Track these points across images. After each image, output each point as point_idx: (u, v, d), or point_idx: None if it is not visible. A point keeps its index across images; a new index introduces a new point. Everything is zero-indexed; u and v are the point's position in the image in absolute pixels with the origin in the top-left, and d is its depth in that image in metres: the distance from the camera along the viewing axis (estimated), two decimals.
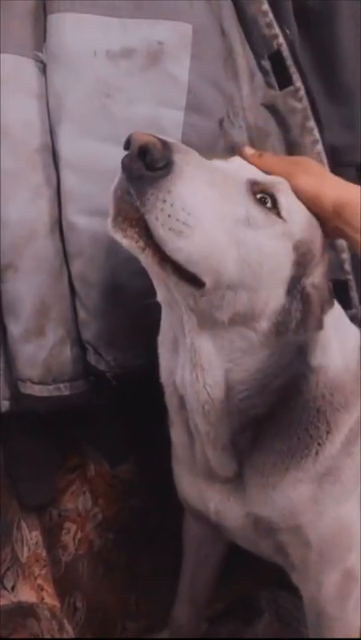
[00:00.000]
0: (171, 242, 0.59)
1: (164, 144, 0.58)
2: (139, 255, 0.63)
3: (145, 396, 0.89)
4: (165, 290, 0.68)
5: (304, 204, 0.69)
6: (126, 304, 0.82)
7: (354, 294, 0.94)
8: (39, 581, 1.00)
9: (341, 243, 0.92)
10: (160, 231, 0.58)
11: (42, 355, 0.83)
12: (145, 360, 0.84)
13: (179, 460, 0.85)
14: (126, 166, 0.59)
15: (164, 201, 0.57)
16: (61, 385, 0.85)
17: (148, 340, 0.80)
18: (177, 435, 0.81)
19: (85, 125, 0.78)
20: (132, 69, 0.77)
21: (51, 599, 1.01)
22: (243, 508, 0.79)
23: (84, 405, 0.90)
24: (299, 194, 0.69)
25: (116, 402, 0.95)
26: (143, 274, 0.80)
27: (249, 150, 0.73)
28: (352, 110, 0.90)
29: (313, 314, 0.69)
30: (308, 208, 0.69)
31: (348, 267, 0.92)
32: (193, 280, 0.62)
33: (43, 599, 0.99)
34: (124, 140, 0.76)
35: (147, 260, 0.63)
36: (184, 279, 0.62)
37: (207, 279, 0.62)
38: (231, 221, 0.62)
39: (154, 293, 0.81)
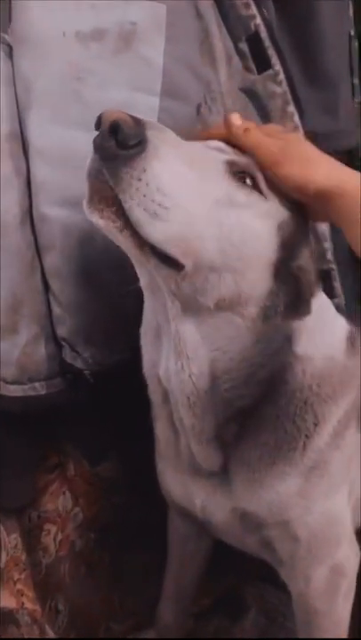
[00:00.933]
0: (146, 223, 0.57)
1: (137, 121, 0.57)
2: (117, 237, 0.60)
3: (125, 390, 0.87)
4: (147, 274, 0.66)
5: (289, 192, 0.66)
6: (103, 298, 0.80)
7: (337, 284, 0.93)
8: (19, 586, 0.97)
9: (324, 232, 0.90)
10: (135, 212, 0.56)
11: (15, 353, 0.80)
12: (124, 356, 0.82)
13: (163, 456, 0.84)
14: (98, 145, 0.57)
15: (139, 180, 0.56)
16: (37, 384, 0.82)
17: (126, 334, 0.78)
18: (161, 429, 0.79)
19: (56, 111, 0.75)
20: (103, 52, 0.74)
21: (31, 604, 0.98)
22: (229, 503, 0.78)
23: (62, 404, 0.88)
24: (282, 183, 0.66)
25: (95, 398, 0.93)
26: (120, 266, 0.78)
27: (236, 120, 0.67)
28: (333, 95, 0.89)
29: (301, 297, 0.67)
30: (294, 196, 0.67)
31: (330, 256, 0.91)
32: (173, 263, 0.61)
33: (23, 604, 0.96)
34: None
35: (125, 243, 0.60)
36: (164, 262, 0.61)
37: (187, 261, 0.60)
38: (211, 201, 0.60)
39: (131, 286, 0.78)
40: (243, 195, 0.63)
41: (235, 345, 0.68)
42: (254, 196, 0.64)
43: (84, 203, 0.60)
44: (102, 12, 0.74)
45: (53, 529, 1.08)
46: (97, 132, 0.58)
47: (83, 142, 0.72)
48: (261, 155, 0.65)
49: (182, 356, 0.68)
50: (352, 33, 0.97)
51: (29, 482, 1.04)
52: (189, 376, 0.69)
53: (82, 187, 0.74)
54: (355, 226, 0.60)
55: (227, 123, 0.68)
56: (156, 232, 0.57)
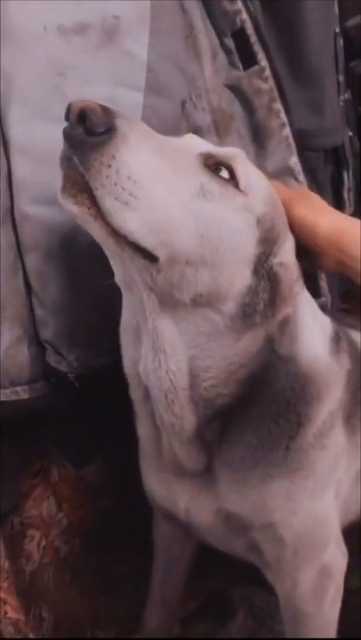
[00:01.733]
0: (117, 213, 0.56)
1: (105, 109, 0.56)
2: (91, 225, 0.59)
3: (109, 392, 0.86)
4: (122, 267, 0.65)
5: (299, 233, 0.69)
6: (87, 299, 0.78)
7: (323, 283, 0.92)
8: (1, 595, 0.95)
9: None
10: (106, 201, 0.56)
11: None
12: (109, 358, 0.80)
13: (146, 457, 0.82)
14: (67, 134, 0.57)
15: (109, 166, 0.55)
16: (19, 388, 0.80)
17: (112, 336, 0.76)
18: (143, 428, 0.78)
19: (37, 107, 0.73)
20: (86, 46, 0.73)
21: (14, 613, 0.96)
22: (213, 504, 0.77)
23: (45, 408, 0.85)
24: (294, 222, 0.68)
25: (79, 400, 0.91)
26: (105, 266, 0.76)
27: None
28: (319, 92, 0.88)
29: (281, 295, 0.66)
30: (303, 239, 0.69)
31: None
32: (147, 254, 0.60)
33: (6, 613, 0.94)
34: None
35: (100, 232, 0.59)
36: (138, 253, 0.59)
37: (160, 253, 0.59)
38: (185, 194, 0.60)
39: (116, 286, 0.76)
40: (218, 187, 0.62)
41: (214, 343, 0.67)
42: (230, 189, 0.63)
43: (58, 192, 0.59)
44: (84, 5, 0.72)
45: (37, 535, 1.06)
46: (65, 120, 0.58)
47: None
48: (277, 193, 0.67)
49: (160, 352, 0.67)
50: (337, 30, 0.96)
51: (12, 487, 1.02)
52: (167, 372, 0.67)
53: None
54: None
55: None
56: (127, 222, 0.57)
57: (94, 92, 0.73)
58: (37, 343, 0.81)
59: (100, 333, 0.80)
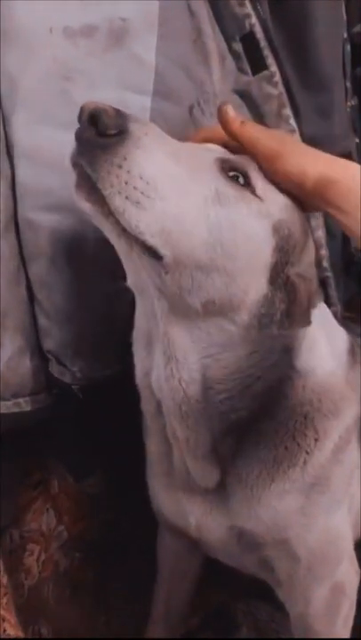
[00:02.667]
0: (127, 211, 0.55)
1: (118, 112, 0.56)
2: (104, 224, 0.59)
3: (111, 402, 0.85)
4: (134, 270, 0.64)
5: (287, 187, 0.64)
6: (92, 309, 0.76)
7: (333, 292, 0.91)
8: (1, 612, 0.92)
9: (319, 238, 0.88)
10: (116, 200, 0.55)
11: None
12: (114, 370, 0.78)
13: (155, 473, 0.81)
14: (78, 136, 0.56)
15: (120, 167, 0.54)
16: (21, 400, 0.78)
17: (117, 347, 0.75)
18: (154, 444, 0.76)
19: (42, 111, 0.71)
20: (93, 49, 0.71)
21: (13, 629, 0.93)
22: (226, 521, 0.75)
23: (46, 420, 0.84)
24: (283, 177, 0.63)
25: (81, 410, 0.89)
26: (111, 274, 0.75)
27: (231, 112, 0.64)
28: (328, 98, 0.86)
29: (299, 306, 0.64)
30: (291, 190, 0.65)
31: (326, 263, 0.89)
32: (153, 252, 0.58)
33: (5, 630, 0.91)
34: None
35: (112, 232, 0.58)
36: (146, 251, 0.58)
37: (165, 252, 0.58)
38: (199, 198, 0.59)
39: (122, 296, 0.75)
40: (233, 192, 0.61)
41: (228, 353, 0.65)
42: (247, 194, 0.62)
43: (72, 188, 0.59)
44: (91, 7, 0.71)
45: (36, 549, 1.04)
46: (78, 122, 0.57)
47: (71, 144, 0.69)
48: (260, 147, 0.62)
49: (172, 359, 0.66)
50: (345, 35, 0.95)
51: (11, 499, 1.00)
52: (179, 382, 0.66)
53: (70, 191, 0.71)
54: (351, 213, 0.59)
55: (222, 114, 0.65)
56: (137, 221, 0.56)
57: (101, 96, 0.70)
58: (40, 354, 0.79)
59: (104, 344, 0.78)
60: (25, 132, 0.72)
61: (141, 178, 0.55)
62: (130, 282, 0.66)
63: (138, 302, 0.68)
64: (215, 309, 0.62)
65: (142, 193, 0.55)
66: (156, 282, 0.61)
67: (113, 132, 0.55)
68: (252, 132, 0.63)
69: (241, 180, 0.61)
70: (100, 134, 0.55)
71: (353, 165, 0.61)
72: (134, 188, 0.55)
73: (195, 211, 0.58)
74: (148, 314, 0.66)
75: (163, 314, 0.64)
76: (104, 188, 0.55)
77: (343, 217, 0.60)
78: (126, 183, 0.54)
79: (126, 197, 0.55)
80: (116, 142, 0.55)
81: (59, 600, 1.04)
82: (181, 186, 0.57)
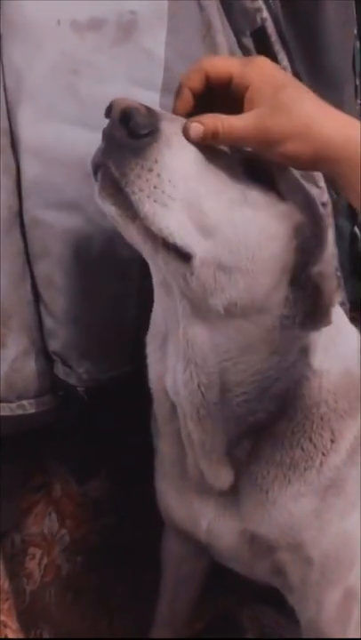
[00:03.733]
0: (157, 215, 0.54)
1: (150, 110, 0.55)
2: (128, 228, 0.57)
3: (115, 404, 0.83)
4: (160, 270, 0.63)
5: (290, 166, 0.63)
6: (99, 309, 0.75)
7: (343, 291, 0.90)
8: (1, 617, 0.90)
9: (329, 237, 0.86)
10: (145, 204, 0.54)
11: (2, 368, 0.74)
12: (120, 371, 0.77)
13: (166, 475, 0.80)
14: (107, 135, 0.55)
15: (150, 170, 0.53)
16: (26, 402, 0.77)
17: (124, 348, 0.75)
18: (166, 446, 0.76)
19: (49, 106, 0.70)
20: (101, 43, 0.69)
21: (14, 635, 0.92)
22: (238, 524, 0.75)
23: (50, 423, 0.82)
24: (281, 162, 0.60)
25: (83, 413, 0.88)
26: (118, 274, 0.74)
27: (196, 130, 0.57)
28: (339, 95, 0.85)
29: (322, 306, 0.64)
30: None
31: (336, 263, 0.88)
32: (181, 255, 0.57)
33: (6, 636, 0.90)
34: (93, 122, 0.69)
35: (137, 235, 0.57)
36: (172, 254, 0.57)
37: (195, 250, 0.57)
38: (225, 198, 0.58)
39: (131, 297, 0.74)
40: (259, 194, 0.60)
41: (248, 356, 0.65)
42: (271, 195, 0.61)
43: (95, 190, 0.57)
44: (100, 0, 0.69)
45: (38, 553, 1.03)
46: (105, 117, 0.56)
47: (78, 140, 0.69)
48: (252, 143, 0.58)
49: (191, 363, 0.65)
50: (355, 33, 0.94)
51: (13, 503, 0.98)
52: (198, 386, 0.66)
53: (78, 188, 0.70)
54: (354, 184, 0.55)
55: (188, 137, 0.57)
56: (167, 224, 0.55)
57: (109, 91, 0.69)
58: (45, 355, 0.78)
59: (111, 345, 0.77)
60: (31, 128, 0.70)
61: (170, 181, 0.54)
62: (155, 280, 0.65)
63: (158, 301, 0.67)
64: (237, 311, 0.61)
65: (170, 196, 0.54)
66: (180, 284, 0.60)
67: (145, 131, 0.53)
68: (237, 134, 0.57)
69: (266, 180, 0.61)
70: (132, 134, 0.53)
71: (350, 133, 0.55)
72: (163, 191, 0.54)
73: (220, 211, 0.57)
74: (169, 314, 0.65)
75: (184, 315, 0.63)
76: (133, 192, 0.54)
77: (348, 186, 0.57)
78: (155, 187, 0.54)
79: (155, 201, 0.54)
80: (147, 144, 0.54)
81: (61, 605, 1.03)
82: (208, 186, 0.57)
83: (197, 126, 0.56)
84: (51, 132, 0.70)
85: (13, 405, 0.76)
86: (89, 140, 0.68)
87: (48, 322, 0.76)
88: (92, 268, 0.73)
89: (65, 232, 0.71)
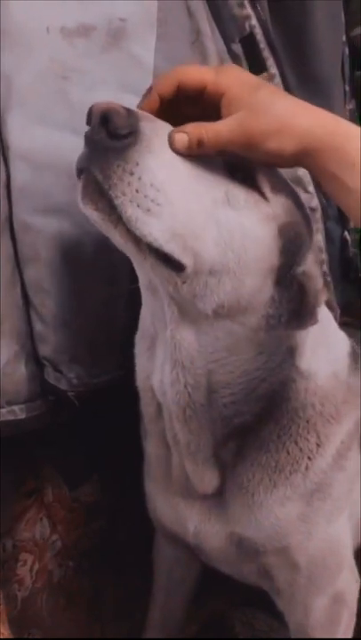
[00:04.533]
0: (139, 221, 0.54)
1: (129, 111, 0.54)
2: (112, 233, 0.57)
3: (107, 408, 0.83)
4: (146, 276, 0.63)
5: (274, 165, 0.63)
6: (88, 314, 0.75)
7: (333, 296, 0.90)
8: None
9: (319, 242, 0.87)
10: (127, 208, 0.54)
11: None
12: (111, 376, 0.77)
13: (153, 477, 0.80)
14: (89, 139, 0.55)
15: (132, 174, 0.54)
16: (16, 407, 0.77)
17: (115, 352, 0.75)
18: (152, 447, 0.76)
19: (39, 111, 0.70)
20: (90, 49, 0.70)
21: None
22: (225, 528, 0.75)
23: (43, 428, 0.82)
24: (264, 162, 0.60)
25: (75, 418, 0.87)
26: (108, 279, 0.74)
27: (181, 140, 0.57)
28: (328, 101, 0.85)
29: (307, 305, 0.64)
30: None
31: (326, 267, 0.88)
32: (172, 263, 0.57)
33: None
34: (82, 128, 0.69)
35: (121, 239, 0.57)
36: (162, 261, 0.57)
37: (186, 261, 0.57)
38: (209, 200, 0.58)
39: (121, 302, 0.74)
40: (243, 195, 0.60)
41: (234, 357, 0.65)
42: (255, 197, 0.61)
43: (78, 196, 0.57)
44: (89, 6, 0.69)
45: (30, 559, 1.02)
46: (87, 124, 0.56)
47: (68, 145, 0.69)
48: (235, 146, 0.58)
49: (178, 364, 0.65)
50: (343, 39, 0.94)
51: (4, 508, 0.97)
52: (185, 386, 0.66)
53: (67, 193, 0.70)
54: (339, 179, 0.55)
55: (175, 148, 0.58)
56: (150, 229, 0.55)
57: (98, 97, 0.69)
58: (36, 360, 0.77)
59: (101, 350, 0.77)
60: (20, 133, 0.70)
61: (152, 185, 0.54)
62: (141, 283, 0.65)
63: (145, 304, 0.67)
64: (224, 313, 0.61)
65: (153, 200, 0.54)
66: (168, 289, 0.60)
67: (125, 132, 0.53)
68: (216, 142, 0.57)
69: (249, 181, 0.61)
70: (112, 136, 0.53)
71: (331, 127, 0.57)
72: (145, 196, 0.54)
73: (204, 214, 0.57)
74: (156, 316, 0.65)
75: (172, 319, 0.63)
76: (116, 196, 0.54)
77: (331, 178, 0.57)
78: (137, 191, 0.53)
79: (138, 205, 0.54)
80: (127, 145, 0.54)
81: (53, 611, 1.03)
82: (191, 189, 0.57)
83: (182, 136, 0.57)
84: (40, 138, 0.70)
85: (4, 411, 0.76)
86: (78, 146, 0.68)
87: (38, 326, 0.76)
88: (81, 273, 0.73)
89: (54, 237, 0.71)
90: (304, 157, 0.57)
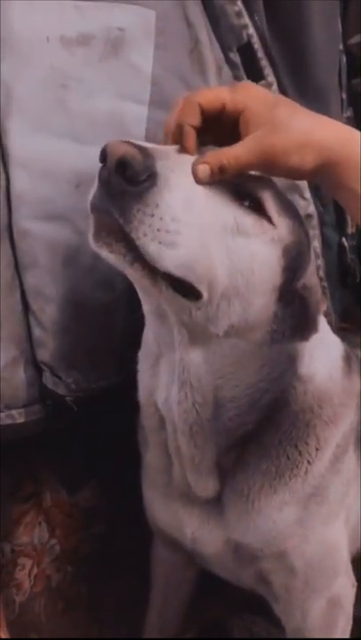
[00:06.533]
0: (162, 256, 0.55)
1: (145, 153, 0.54)
2: (126, 270, 0.58)
3: (106, 413, 0.84)
4: (154, 302, 0.64)
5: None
6: (87, 320, 0.75)
7: (328, 302, 0.90)
8: None
9: (315, 248, 0.87)
10: (150, 247, 0.54)
11: None
12: (109, 381, 0.77)
13: (152, 485, 0.80)
14: (105, 181, 0.55)
15: (152, 215, 0.54)
16: (14, 412, 0.77)
17: (113, 358, 0.75)
18: (153, 457, 0.76)
19: (38, 119, 0.71)
20: (90, 58, 0.71)
21: None
22: (222, 534, 0.75)
23: (40, 432, 0.82)
24: (284, 177, 0.63)
25: (74, 422, 0.87)
26: (107, 285, 0.74)
27: (203, 171, 0.58)
28: (325, 109, 0.85)
29: (308, 316, 0.66)
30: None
31: (322, 273, 0.88)
32: (189, 292, 0.59)
33: None
34: (81, 136, 0.70)
35: (135, 275, 0.58)
36: (180, 292, 0.59)
37: (203, 289, 0.58)
38: (220, 228, 0.59)
39: (119, 308, 0.74)
40: (251, 221, 0.61)
41: (240, 371, 0.66)
42: (262, 222, 0.62)
43: (90, 237, 0.57)
44: (88, 16, 0.70)
45: (28, 563, 1.02)
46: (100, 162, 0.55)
47: (67, 153, 0.70)
48: (249, 168, 0.60)
49: (186, 384, 0.66)
50: (340, 48, 0.95)
51: (2, 513, 0.98)
52: (193, 405, 0.67)
53: (66, 200, 0.71)
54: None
55: (197, 178, 0.59)
56: (172, 262, 0.56)
57: (97, 105, 0.72)
58: (34, 365, 0.78)
59: (99, 355, 0.77)
60: (20, 141, 0.71)
61: (172, 219, 0.55)
62: (146, 310, 0.66)
63: (151, 327, 0.68)
64: (233, 332, 0.63)
65: (173, 234, 0.55)
66: (182, 317, 0.61)
67: (143, 177, 0.53)
68: (234, 166, 0.59)
69: (255, 206, 0.62)
70: (130, 182, 0.53)
71: (347, 140, 0.59)
72: (167, 232, 0.54)
73: (216, 241, 0.58)
74: (163, 340, 0.66)
75: (181, 342, 0.64)
76: (137, 237, 0.54)
77: (344, 187, 0.59)
78: (159, 230, 0.54)
79: (159, 242, 0.54)
80: (146, 189, 0.54)
81: (51, 615, 1.02)
82: (204, 218, 0.57)
83: (204, 167, 0.58)
84: (40, 145, 0.70)
85: (2, 415, 0.76)
86: (77, 153, 0.70)
87: (37, 332, 0.76)
88: (80, 279, 0.73)
89: (53, 243, 0.72)
90: (322, 170, 0.59)
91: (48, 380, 0.77)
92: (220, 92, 0.61)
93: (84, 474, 1.05)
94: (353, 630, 0.85)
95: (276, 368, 0.67)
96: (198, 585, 0.98)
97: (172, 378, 0.66)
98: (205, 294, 0.59)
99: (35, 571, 1.02)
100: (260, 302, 0.63)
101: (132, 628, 1.02)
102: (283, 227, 0.64)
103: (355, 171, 0.58)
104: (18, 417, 0.77)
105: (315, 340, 0.69)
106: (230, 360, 0.65)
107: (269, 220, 0.62)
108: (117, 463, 0.98)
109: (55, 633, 1.02)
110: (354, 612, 0.83)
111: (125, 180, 0.53)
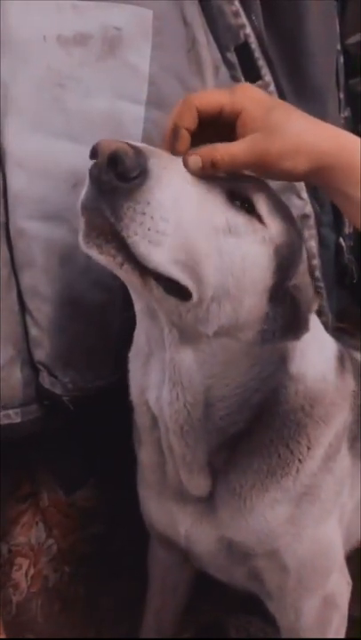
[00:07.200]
0: (151, 254, 0.55)
1: (137, 151, 0.54)
2: (116, 270, 0.58)
3: (103, 413, 0.84)
4: (145, 301, 0.64)
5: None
6: (84, 318, 0.75)
7: (324, 302, 0.91)
8: None
9: (312, 248, 0.87)
10: (140, 246, 0.54)
11: None
12: (106, 381, 0.77)
13: (146, 483, 0.81)
14: (95, 178, 0.54)
15: (144, 214, 0.54)
16: (11, 411, 0.77)
17: (109, 358, 0.75)
18: (147, 456, 0.76)
19: (35, 119, 0.71)
20: (87, 57, 0.71)
21: None
22: (215, 532, 0.75)
23: (38, 432, 0.82)
24: (277, 178, 0.63)
25: (71, 422, 0.87)
26: (103, 285, 0.74)
27: (194, 163, 0.59)
28: (322, 109, 0.86)
29: (300, 316, 0.66)
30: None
31: (318, 274, 0.88)
32: (179, 292, 0.58)
33: None
34: (78, 135, 0.70)
35: (126, 275, 0.58)
36: (170, 292, 0.58)
37: (193, 289, 0.58)
38: (210, 228, 0.59)
39: (115, 307, 0.74)
40: (242, 222, 0.61)
41: (231, 371, 0.66)
42: (253, 223, 0.62)
43: (80, 237, 0.57)
44: (85, 15, 0.70)
45: (25, 563, 1.02)
46: (91, 158, 0.55)
47: (64, 153, 0.70)
48: (242, 166, 0.61)
49: (177, 385, 0.66)
50: (338, 48, 0.95)
51: (0, 513, 0.98)
52: (184, 405, 0.67)
53: (63, 200, 0.70)
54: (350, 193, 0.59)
55: (188, 167, 0.60)
56: (161, 260, 0.55)
57: (94, 105, 0.71)
58: (31, 364, 0.78)
59: (96, 355, 0.77)
60: (17, 140, 0.71)
61: (162, 218, 0.54)
62: (137, 309, 0.66)
63: (142, 326, 0.68)
64: (223, 332, 0.63)
65: (163, 233, 0.54)
66: (172, 318, 0.61)
67: (135, 174, 0.53)
68: (231, 163, 0.59)
69: (247, 206, 0.62)
70: (121, 178, 0.53)
71: (343, 145, 0.59)
72: (157, 231, 0.54)
73: (207, 241, 0.58)
74: (153, 339, 0.66)
75: (172, 342, 0.64)
76: (128, 235, 0.54)
77: (341, 194, 0.60)
78: (149, 229, 0.54)
79: (149, 241, 0.54)
80: (137, 185, 0.53)
81: (48, 616, 1.02)
82: (195, 217, 0.57)
83: (196, 159, 0.58)
84: (37, 145, 0.70)
85: None
86: (74, 153, 0.70)
87: (33, 331, 0.76)
88: (76, 278, 0.73)
89: (50, 242, 0.72)
90: (317, 174, 0.60)
91: (45, 379, 0.77)
92: (219, 95, 0.61)
93: (81, 474, 1.05)
94: (352, 630, 0.85)
95: (267, 367, 0.67)
96: (195, 585, 0.98)
97: (162, 377, 0.66)
98: (195, 294, 0.59)
99: (32, 571, 1.02)
100: (251, 302, 0.63)
101: (129, 629, 1.02)
102: (274, 227, 0.63)
103: (351, 175, 0.58)
104: (15, 417, 0.77)
105: (306, 339, 0.69)
106: (221, 359, 0.65)
107: (261, 220, 0.62)
108: (115, 463, 0.97)
109: (52, 633, 1.02)
110: (352, 612, 0.83)
111: (117, 176, 0.53)
